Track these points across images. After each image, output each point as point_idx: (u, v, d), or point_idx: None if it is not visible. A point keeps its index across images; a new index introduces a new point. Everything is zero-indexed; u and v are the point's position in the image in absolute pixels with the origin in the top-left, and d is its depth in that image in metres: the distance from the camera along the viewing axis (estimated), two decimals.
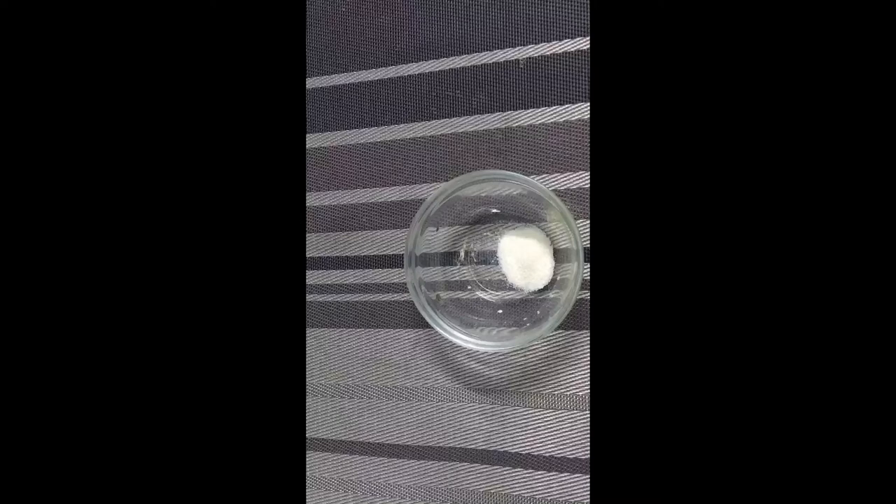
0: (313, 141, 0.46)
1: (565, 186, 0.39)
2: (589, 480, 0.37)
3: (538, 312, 0.37)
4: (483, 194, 0.38)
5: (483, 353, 0.39)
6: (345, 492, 0.44)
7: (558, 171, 0.39)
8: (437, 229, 0.39)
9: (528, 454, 0.39)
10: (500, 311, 0.39)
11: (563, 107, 0.40)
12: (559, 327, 0.35)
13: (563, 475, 0.38)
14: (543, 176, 0.40)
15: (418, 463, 0.41)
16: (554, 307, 0.35)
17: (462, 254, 0.40)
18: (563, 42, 0.40)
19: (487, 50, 0.41)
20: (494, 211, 0.40)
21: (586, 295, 0.38)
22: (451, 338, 0.35)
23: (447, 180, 0.35)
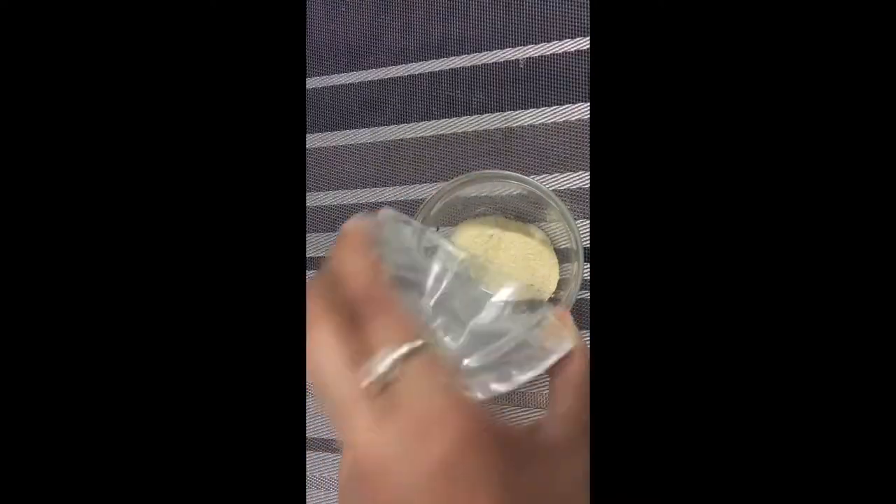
0: (313, 141, 0.46)
1: (565, 186, 0.39)
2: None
3: None
4: (483, 194, 0.38)
5: None
6: None
7: (558, 171, 0.39)
8: (437, 229, 0.39)
9: None
10: None
11: (563, 107, 0.40)
12: None
13: None
14: (543, 176, 0.40)
15: None
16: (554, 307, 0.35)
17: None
18: (563, 42, 0.40)
19: (487, 50, 0.41)
20: (494, 211, 0.40)
21: (586, 295, 0.38)
22: None
23: (447, 180, 0.35)
